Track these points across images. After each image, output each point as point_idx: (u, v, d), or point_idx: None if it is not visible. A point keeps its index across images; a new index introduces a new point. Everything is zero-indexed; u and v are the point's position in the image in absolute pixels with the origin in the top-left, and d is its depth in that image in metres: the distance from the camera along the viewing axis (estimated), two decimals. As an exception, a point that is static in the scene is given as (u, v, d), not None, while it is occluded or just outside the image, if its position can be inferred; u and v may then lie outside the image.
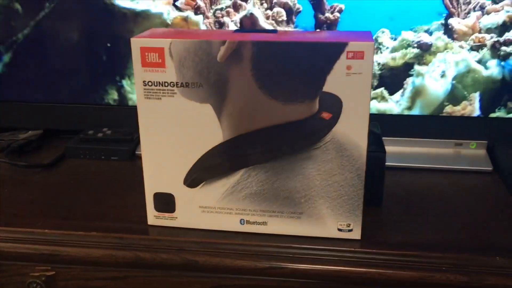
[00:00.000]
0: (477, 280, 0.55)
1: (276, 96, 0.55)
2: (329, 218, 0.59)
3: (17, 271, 0.62)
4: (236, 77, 0.55)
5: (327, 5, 0.76)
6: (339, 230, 0.59)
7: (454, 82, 0.78)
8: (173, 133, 0.58)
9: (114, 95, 0.86)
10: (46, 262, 0.60)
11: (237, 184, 0.59)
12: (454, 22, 0.75)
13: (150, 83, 0.56)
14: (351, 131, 0.55)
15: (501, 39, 0.75)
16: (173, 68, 0.55)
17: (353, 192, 0.57)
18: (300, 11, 0.77)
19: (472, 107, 0.79)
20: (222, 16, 0.79)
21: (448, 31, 0.76)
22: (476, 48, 0.76)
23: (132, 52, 0.56)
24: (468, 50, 0.76)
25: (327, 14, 0.77)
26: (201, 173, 0.59)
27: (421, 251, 0.58)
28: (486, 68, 0.77)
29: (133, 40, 0.55)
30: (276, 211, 0.59)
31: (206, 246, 0.59)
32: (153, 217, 0.62)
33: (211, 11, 0.79)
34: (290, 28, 0.78)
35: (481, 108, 0.79)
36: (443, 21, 0.75)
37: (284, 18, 0.78)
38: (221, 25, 0.79)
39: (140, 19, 0.81)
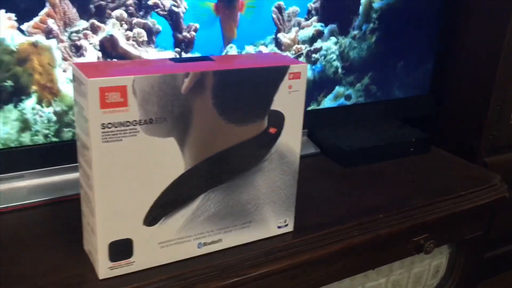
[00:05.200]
0: (376, 236, 0.73)
1: (233, 120, 0.59)
2: (272, 219, 0.66)
3: None
4: (198, 106, 0.56)
5: (183, 24, 0.80)
6: (279, 227, 0.68)
7: (283, 85, 0.93)
8: (133, 174, 0.54)
9: None
10: None
11: (196, 210, 0.60)
12: (281, 36, 0.90)
13: (110, 125, 0.51)
14: (290, 140, 0.64)
15: (312, 48, 0.94)
16: (136, 106, 0.52)
17: (290, 192, 0.67)
18: (160, 31, 0.78)
19: (296, 104, 0.96)
20: (79, 39, 0.72)
21: (278, 43, 0.90)
22: (296, 56, 0.93)
23: (88, 95, 0.49)
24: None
25: (185, 33, 0.80)
26: (162, 209, 0.57)
27: (335, 226, 0.72)
28: (304, 71, 0.95)
29: (92, 81, 0.49)
30: (230, 226, 0.63)
31: (174, 279, 0.58)
32: (107, 269, 0.57)
33: (66, 34, 0.71)
34: (151, 48, 0.78)
35: (301, 104, 0.97)
36: (274, 36, 0.89)
37: (145, 38, 0.77)
38: (78, 48, 0.73)
39: (-26, 47, 0.66)
